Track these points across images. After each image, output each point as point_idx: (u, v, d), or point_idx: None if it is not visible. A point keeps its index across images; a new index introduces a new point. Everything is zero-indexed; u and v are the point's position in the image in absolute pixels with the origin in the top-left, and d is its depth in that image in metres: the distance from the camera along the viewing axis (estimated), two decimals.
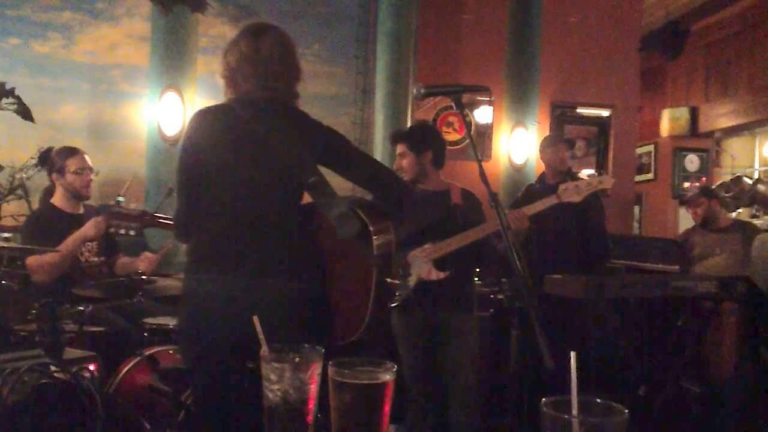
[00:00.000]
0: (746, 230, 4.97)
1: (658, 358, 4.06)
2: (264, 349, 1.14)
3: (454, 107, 2.07)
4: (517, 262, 1.80)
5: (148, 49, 5.04)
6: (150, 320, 3.51)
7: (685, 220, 8.21)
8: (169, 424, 2.77)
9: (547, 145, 4.34)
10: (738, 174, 8.38)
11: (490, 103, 6.07)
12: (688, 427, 3.80)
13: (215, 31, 5.41)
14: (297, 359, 1.12)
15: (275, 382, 1.11)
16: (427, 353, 3.18)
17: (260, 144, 2.17)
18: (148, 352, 3.19)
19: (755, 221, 7.99)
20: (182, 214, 2.27)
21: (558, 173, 4.25)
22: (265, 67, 2.22)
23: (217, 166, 2.19)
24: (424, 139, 3.24)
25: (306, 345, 1.15)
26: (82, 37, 5.17)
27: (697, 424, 3.74)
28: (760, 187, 7.93)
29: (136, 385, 3.04)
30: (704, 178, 8.66)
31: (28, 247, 3.45)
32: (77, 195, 3.75)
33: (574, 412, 0.87)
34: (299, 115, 2.29)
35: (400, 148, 3.25)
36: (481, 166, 1.97)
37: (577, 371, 1.68)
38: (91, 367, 2.57)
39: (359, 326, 2.24)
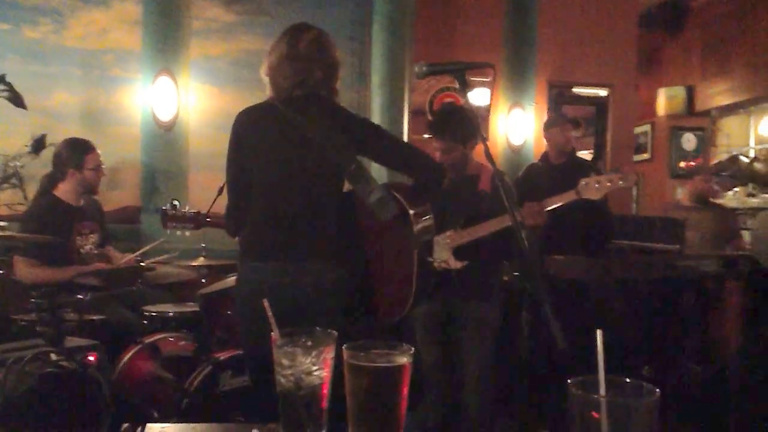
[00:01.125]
0: (716, 210, 5.19)
1: (662, 339, 4.05)
2: (275, 334, 1.11)
3: (458, 85, 2.03)
4: (525, 243, 1.77)
5: (140, 33, 4.95)
6: (150, 308, 3.50)
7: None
8: (173, 411, 2.74)
9: (552, 124, 4.30)
10: (735, 153, 8.36)
11: (487, 84, 6.01)
12: (692, 407, 3.79)
13: (208, 14, 5.33)
14: (309, 343, 1.09)
15: (287, 368, 1.08)
16: (443, 340, 3.14)
17: (298, 138, 2.31)
18: (148, 340, 3.17)
19: (752, 200, 8.00)
20: (232, 208, 2.45)
21: (562, 153, 4.21)
22: (302, 65, 2.36)
23: (259, 162, 2.36)
24: (465, 131, 3.04)
25: (318, 329, 1.12)
26: (73, 22, 5.08)
27: (701, 404, 3.73)
28: (757, 165, 7.93)
29: (137, 373, 3.03)
30: (700, 158, 8.63)
31: (32, 236, 3.43)
32: (91, 190, 3.80)
33: (602, 391, 0.84)
34: (335, 109, 2.42)
35: (439, 143, 3.05)
36: (486, 145, 1.93)
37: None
38: (92, 357, 2.54)
39: (404, 306, 2.40)
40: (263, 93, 2.51)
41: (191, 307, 3.54)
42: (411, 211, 2.38)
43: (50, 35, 5.03)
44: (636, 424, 0.82)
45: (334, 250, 2.33)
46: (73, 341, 2.44)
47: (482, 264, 3.05)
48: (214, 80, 5.27)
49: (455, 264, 2.97)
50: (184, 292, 3.97)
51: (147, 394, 2.92)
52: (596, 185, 2.98)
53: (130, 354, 3.08)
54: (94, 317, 3.12)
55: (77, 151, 3.71)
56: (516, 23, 5.92)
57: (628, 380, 0.85)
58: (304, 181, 2.34)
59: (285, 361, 1.08)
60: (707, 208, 5.14)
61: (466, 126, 3.06)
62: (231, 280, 3.49)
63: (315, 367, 1.08)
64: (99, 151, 3.80)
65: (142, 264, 3.64)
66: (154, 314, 3.46)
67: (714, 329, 4.34)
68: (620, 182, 3.05)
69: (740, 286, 4.18)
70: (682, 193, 5.30)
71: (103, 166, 3.81)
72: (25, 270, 3.48)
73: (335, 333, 1.11)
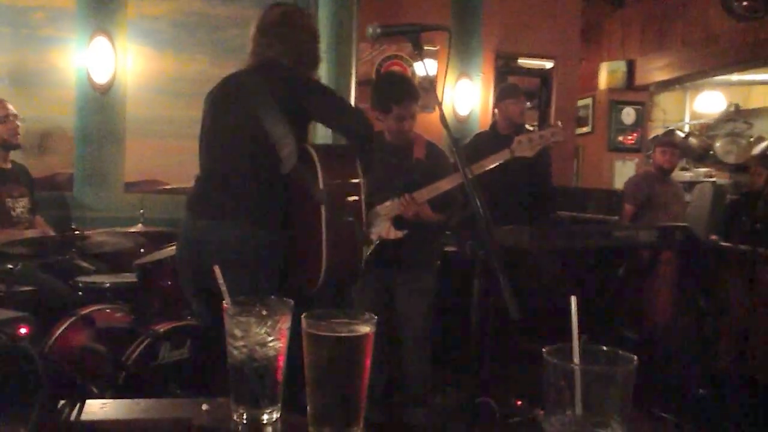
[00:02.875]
0: (675, 185, 5.31)
1: (598, 307, 4.12)
2: (226, 302, 1.04)
3: (412, 47, 1.99)
4: (481, 211, 1.73)
5: None
6: (84, 278, 3.37)
7: (621, 173, 8.38)
8: (109, 385, 2.64)
9: (507, 95, 4.24)
10: (670, 128, 8.57)
11: (433, 54, 5.93)
12: None
13: None
14: (264, 312, 1.03)
15: (240, 339, 1.02)
16: (380, 308, 3.13)
17: (231, 103, 2.44)
18: (82, 312, 3.05)
19: (685, 173, 8.24)
20: None
21: (513, 125, 4.17)
22: (264, 41, 2.49)
23: (205, 127, 2.52)
24: (388, 94, 3.13)
25: (273, 297, 1.06)
26: None
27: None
28: (692, 140, 8.14)
29: (71, 346, 2.91)
30: (638, 132, 8.81)
31: None
32: (5, 144, 3.68)
33: (576, 359, 0.81)
34: (275, 72, 2.44)
35: (414, 108, 3.11)
36: (441, 111, 1.90)
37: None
38: (23, 330, 2.42)
39: (319, 270, 2.28)
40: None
41: (128, 278, 3.41)
42: (318, 164, 2.29)
43: None
44: (611, 393, 0.80)
45: (250, 210, 2.34)
46: (2, 313, 2.32)
47: (421, 233, 3.06)
48: (153, 42, 5.01)
49: (395, 234, 2.96)
50: (121, 262, 3.82)
51: (81, 368, 2.80)
52: (529, 142, 3.04)
53: (63, 327, 2.95)
54: (24, 288, 2.98)
55: None
56: None
57: (604, 348, 0.83)
58: (226, 144, 2.43)
59: (237, 332, 1.02)
60: (666, 182, 5.22)
61: (389, 89, 3.15)
62: (170, 249, 3.37)
63: (270, 338, 1.02)
64: (8, 104, 3.74)
65: (75, 232, 3.48)
66: (88, 285, 3.33)
67: (649, 298, 4.45)
68: (552, 137, 3.10)
69: (674, 256, 4.30)
70: (642, 165, 5.37)
71: (14, 117, 3.70)
72: None
73: (291, 302, 1.05)
